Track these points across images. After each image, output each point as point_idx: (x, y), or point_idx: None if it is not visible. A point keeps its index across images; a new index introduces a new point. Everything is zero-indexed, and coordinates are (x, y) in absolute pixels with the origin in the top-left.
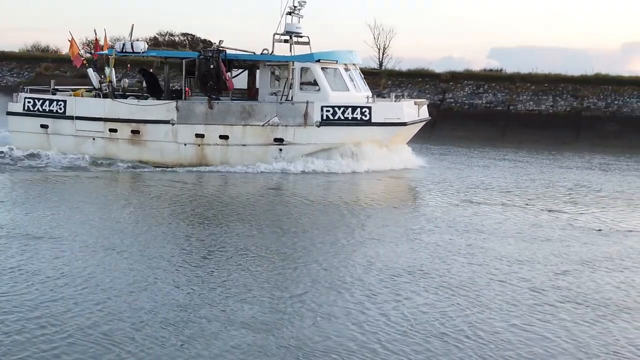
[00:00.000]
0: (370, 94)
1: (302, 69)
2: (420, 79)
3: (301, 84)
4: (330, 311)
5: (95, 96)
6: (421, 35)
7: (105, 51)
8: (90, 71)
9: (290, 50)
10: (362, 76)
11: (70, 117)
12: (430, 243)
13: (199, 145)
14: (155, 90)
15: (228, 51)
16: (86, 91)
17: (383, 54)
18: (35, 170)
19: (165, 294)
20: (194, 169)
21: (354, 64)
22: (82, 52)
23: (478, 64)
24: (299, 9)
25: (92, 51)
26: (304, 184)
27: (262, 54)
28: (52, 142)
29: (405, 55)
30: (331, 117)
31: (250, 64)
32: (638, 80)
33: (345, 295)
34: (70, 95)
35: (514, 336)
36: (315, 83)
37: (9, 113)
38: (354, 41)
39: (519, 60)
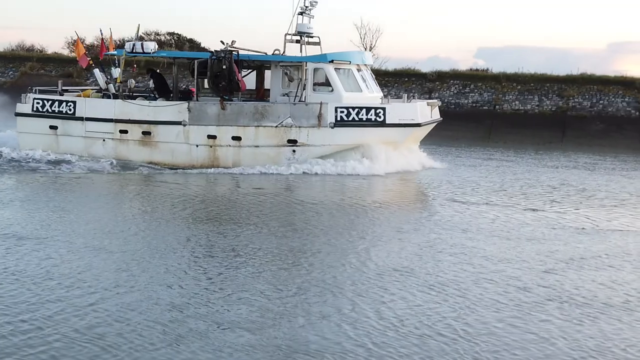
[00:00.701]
0: (382, 94)
1: (314, 69)
2: (406, 79)
3: (313, 84)
4: (327, 312)
5: (102, 97)
6: (408, 34)
7: (114, 51)
8: (96, 71)
9: (301, 51)
10: (374, 77)
11: (80, 118)
12: (414, 243)
13: (211, 147)
14: (164, 91)
15: (240, 52)
16: (95, 92)
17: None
18: (50, 174)
19: (163, 294)
20: (209, 170)
21: (365, 65)
22: (71, 52)
23: (464, 64)
24: (310, 9)
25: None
26: (314, 186)
27: (273, 54)
28: (62, 143)
29: (392, 54)
30: (345, 118)
31: (258, 64)
32: (623, 80)
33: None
34: (80, 96)
35: (505, 333)
36: (327, 84)
37: (18, 114)
38: (340, 40)
39: (505, 60)
